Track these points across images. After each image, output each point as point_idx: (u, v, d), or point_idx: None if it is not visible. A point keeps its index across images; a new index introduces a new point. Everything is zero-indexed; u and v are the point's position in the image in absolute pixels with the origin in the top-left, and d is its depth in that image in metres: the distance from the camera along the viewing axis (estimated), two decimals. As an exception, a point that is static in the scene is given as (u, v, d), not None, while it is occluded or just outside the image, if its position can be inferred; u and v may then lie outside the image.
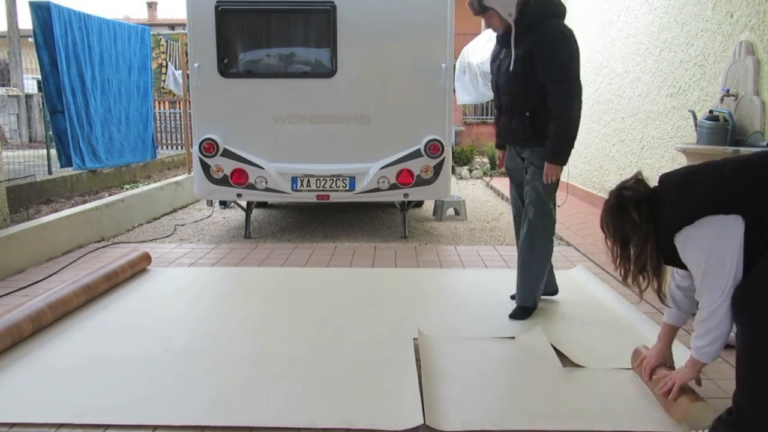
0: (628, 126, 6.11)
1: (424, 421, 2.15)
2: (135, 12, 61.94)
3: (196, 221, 6.41)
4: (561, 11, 3.12)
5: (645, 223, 2.08)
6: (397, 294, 3.74)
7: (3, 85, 14.62)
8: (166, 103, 13.75)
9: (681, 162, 4.67)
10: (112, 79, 6.84)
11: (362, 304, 3.52)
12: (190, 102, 5.58)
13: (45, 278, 4.07)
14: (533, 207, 3.18)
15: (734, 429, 1.88)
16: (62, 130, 6.09)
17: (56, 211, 5.80)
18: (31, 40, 6.42)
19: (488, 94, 12.02)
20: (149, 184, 7.60)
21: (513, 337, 3.01)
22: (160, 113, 12.98)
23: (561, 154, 3.06)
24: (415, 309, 3.44)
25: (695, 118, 4.22)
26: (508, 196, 7.93)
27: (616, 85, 6.45)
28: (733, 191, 1.92)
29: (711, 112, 4.12)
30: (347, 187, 5.20)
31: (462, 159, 11.76)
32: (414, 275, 4.18)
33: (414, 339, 2.95)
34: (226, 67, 5.08)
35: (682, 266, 2.05)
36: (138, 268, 4.12)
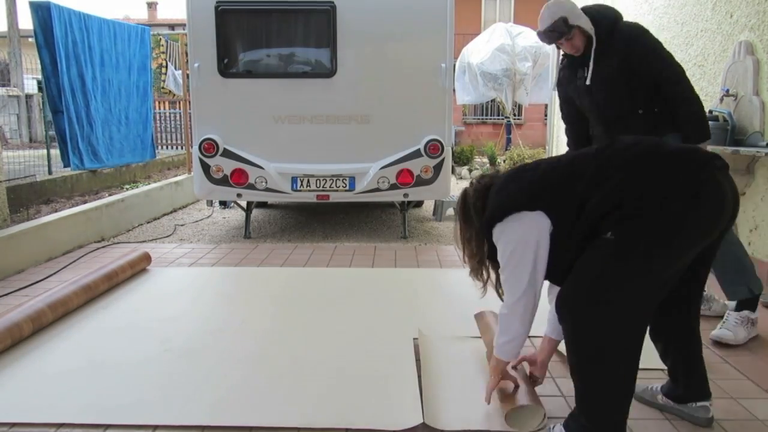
0: (628, 126, 6.10)
1: (424, 420, 2.16)
2: (135, 12, 61.99)
3: (196, 221, 6.42)
4: (616, 16, 3.00)
5: (477, 219, 2.07)
6: (397, 294, 3.74)
7: (3, 85, 14.62)
8: (166, 103, 13.75)
9: (681, 162, 4.67)
10: (113, 79, 6.85)
11: (362, 304, 3.52)
12: (190, 102, 5.58)
13: (45, 278, 4.07)
14: None
15: (580, 416, 1.93)
16: (63, 130, 6.10)
17: (56, 211, 5.80)
18: (31, 40, 6.43)
19: (488, 94, 12.05)
20: (149, 184, 7.60)
21: (513, 337, 3.01)
22: (159, 113, 12.98)
23: (706, 127, 2.89)
24: (415, 309, 3.44)
25: (695, 118, 4.21)
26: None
27: (615, 85, 6.45)
28: (540, 188, 1.92)
29: (711, 112, 4.13)
30: (347, 187, 5.20)
31: (462, 159, 11.77)
32: (414, 275, 4.18)
33: (414, 339, 2.95)
34: (226, 67, 5.08)
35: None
36: (138, 268, 4.12)
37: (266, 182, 5.16)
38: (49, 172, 7.61)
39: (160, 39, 12.78)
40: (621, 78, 2.88)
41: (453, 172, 10.68)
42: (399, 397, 2.34)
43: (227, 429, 2.16)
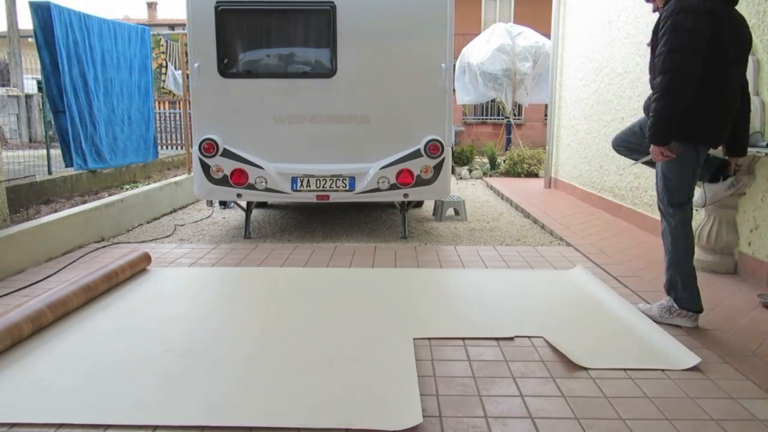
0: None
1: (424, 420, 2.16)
2: (135, 12, 62.00)
3: (196, 221, 6.42)
4: None
5: None
6: (397, 294, 3.74)
7: (3, 86, 14.63)
8: (166, 103, 13.76)
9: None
10: (114, 79, 6.85)
11: (362, 304, 3.53)
12: (190, 102, 5.58)
13: (45, 278, 4.07)
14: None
15: None
16: (65, 130, 6.10)
17: (56, 211, 5.80)
18: (30, 40, 6.43)
19: (488, 95, 12.06)
20: (149, 184, 7.60)
21: (512, 338, 3.01)
22: (159, 113, 12.99)
23: (658, 131, 2.95)
24: (415, 309, 3.44)
25: (695, 118, 4.21)
26: (508, 197, 7.95)
27: (616, 85, 6.45)
28: None
29: (711, 112, 4.12)
30: (347, 187, 5.20)
31: (462, 159, 11.77)
32: (414, 275, 4.18)
33: (414, 339, 2.95)
34: (226, 67, 5.08)
35: None
36: (138, 268, 4.12)
37: (266, 182, 5.16)
38: (49, 172, 7.62)
39: (160, 39, 12.80)
40: (653, 43, 2.98)
41: (453, 172, 10.68)
42: (399, 397, 2.35)
43: (227, 429, 2.16)
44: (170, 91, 12.64)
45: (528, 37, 11.80)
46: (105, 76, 6.64)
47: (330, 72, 5.09)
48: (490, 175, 10.85)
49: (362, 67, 5.09)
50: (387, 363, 2.68)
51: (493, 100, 13.18)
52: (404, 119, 5.17)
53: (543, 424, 2.19)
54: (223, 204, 7.15)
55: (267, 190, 5.19)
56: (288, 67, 5.22)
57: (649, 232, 5.41)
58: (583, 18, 7.63)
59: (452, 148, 7.02)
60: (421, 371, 2.62)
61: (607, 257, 4.62)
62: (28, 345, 2.87)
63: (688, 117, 2.94)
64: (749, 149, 3.74)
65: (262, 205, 7.20)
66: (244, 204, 5.67)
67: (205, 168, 5.16)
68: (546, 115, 11.11)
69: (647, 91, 5.59)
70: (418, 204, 7.10)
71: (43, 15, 5.81)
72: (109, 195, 7.03)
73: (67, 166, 6.38)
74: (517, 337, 3.03)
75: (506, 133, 14.05)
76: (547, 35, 9.90)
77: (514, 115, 14.89)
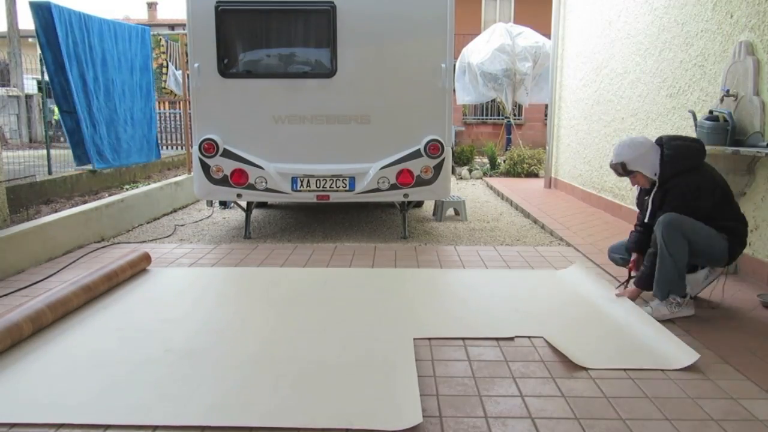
0: (628, 126, 6.11)
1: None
2: (135, 12, 62.03)
3: (196, 221, 6.42)
4: (695, 161, 3.32)
5: None
6: (397, 294, 3.74)
7: (3, 86, 14.63)
8: (166, 104, 13.76)
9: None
10: (116, 80, 6.85)
11: (362, 304, 3.52)
12: (190, 102, 5.58)
13: (45, 278, 4.07)
14: None
15: None
16: (71, 130, 6.10)
17: (56, 211, 5.81)
18: (31, 40, 6.45)
19: (488, 95, 12.06)
20: (149, 184, 7.60)
21: (512, 338, 3.01)
22: (160, 113, 12.98)
23: (640, 281, 3.37)
24: (415, 309, 3.44)
25: (695, 119, 4.22)
26: (508, 197, 7.95)
27: (616, 85, 6.46)
28: None
29: (711, 112, 4.13)
30: (347, 188, 5.20)
31: (462, 159, 11.77)
32: (414, 275, 4.18)
33: (414, 339, 2.95)
34: (226, 68, 5.08)
35: None
36: (138, 268, 4.12)
37: (266, 182, 5.16)
38: (49, 172, 7.62)
39: (160, 39, 12.81)
40: (659, 208, 3.35)
41: (453, 172, 10.68)
42: (399, 397, 2.34)
43: (227, 429, 2.16)
44: (171, 91, 12.65)
45: (528, 37, 11.80)
46: (106, 77, 6.64)
47: (330, 72, 5.09)
48: (490, 175, 10.84)
49: (362, 67, 5.09)
50: (387, 363, 2.68)
51: (493, 100, 13.19)
52: (404, 119, 5.17)
53: (543, 424, 2.19)
54: (223, 204, 7.15)
55: (267, 190, 5.19)
56: (288, 67, 5.22)
57: (649, 232, 5.41)
58: (583, 18, 7.63)
59: (452, 148, 7.02)
60: (421, 371, 2.62)
61: (606, 257, 4.61)
62: (28, 345, 2.87)
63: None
64: (749, 149, 3.76)
65: (262, 205, 7.20)
66: (244, 204, 5.67)
67: (205, 168, 5.16)
68: (546, 115, 11.11)
69: (647, 91, 5.63)
70: (418, 204, 7.10)
71: (44, 15, 5.81)
72: (109, 195, 7.03)
73: (78, 165, 6.39)
74: (517, 337, 3.03)
75: (506, 133, 14.05)
76: (547, 35, 9.90)
77: (514, 115, 14.89)
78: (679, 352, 2.76)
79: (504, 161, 11.10)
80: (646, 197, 3.46)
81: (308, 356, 2.76)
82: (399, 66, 5.10)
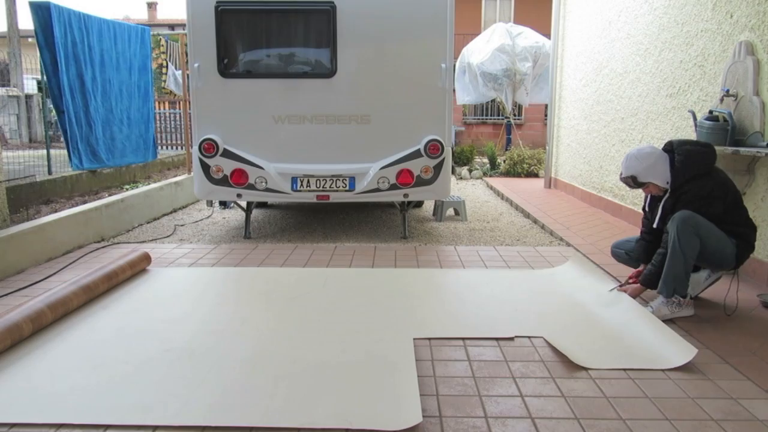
0: (628, 126, 6.12)
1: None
2: (135, 12, 62.04)
3: (196, 221, 6.42)
4: (706, 166, 3.31)
5: None
6: (397, 294, 3.74)
7: (3, 86, 14.63)
8: (166, 104, 13.76)
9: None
10: (113, 80, 6.85)
11: (362, 304, 3.52)
12: (190, 102, 5.58)
13: (45, 278, 4.07)
14: None
15: None
16: (65, 130, 6.11)
17: (56, 211, 5.80)
18: (30, 40, 6.44)
19: (488, 95, 12.06)
20: (149, 184, 7.60)
21: (512, 338, 3.01)
22: (160, 113, 12.99)
23: (646, 279, 3.36)
24: (415, 309, 3.44)
25: (695, 119, 4.23)
26: (508, 197, 7.95)
27: (616, 85, 6.46)
28: None
29: (711, 112, 4.13)
30: (347, 188, 5.20)
31: (462, 159, 11.77)
32: (414, 275, 4.18)
33: (414, 339, 2.95)
34: (226, 68, 5.08)
35: None
36: (138, 268, 4.12)
37: (266, 182, 5.16)
38: (49, 172, 7.62)
39: (160, 39, 12.81)
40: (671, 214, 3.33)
41: (453, 172, 10.69)
42: (399, 397, 2.34)
43: (227, 429, 2.16)
44: (170, 91, 12.66)
45: (528, 37, 11.80)
46: (103, 77, 6.64)
47: (330, 72, 5.09)
48: (490, 175, 10.84)
49: (362, 67, 5.09)
50: (387, 363, 2.68)
51: (493, 100, 13.18)
52: (404, 119, 5.17)
53: (543, 424, 2.19)
54: (223, 204, 7.15)
55: (267, 190, 5.19)
56: (288, 67, 5.22)
57: (649, 232, 5.41)
58: (583, 18, 7.63)
59: (452, 148, 7.02)
60: (421, 371, 2.62)
61: (607, 257, 4.61)
62: (28, 345, 2.87)
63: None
64: (749, 149, 3.76)
65: (262, 205, 7.20)
66: (244, 204, 5.67)
67: (205, 168, 5.16)
68: (546, 115, 11.12)
69: (647, 91, 5.63)
70: (418, 204, 7.10)
71: (43, 15, 5.81)
72: (109, 195, 7.03)
73: (74, 167, 6.40)
74: (517, 337, 3.03)
75: (506, 133, 14.05)
76: (547, 35, 9.90)
77: (514, 115, 14.89)
78: (677, 349, 2.76)
79: (504, 161, 11.10)
80: (658, 203, 3.44)
81: (308, 356, 2.76)
82: (399, 66, 5.10)
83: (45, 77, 6.08)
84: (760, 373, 2.62)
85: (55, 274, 4.20)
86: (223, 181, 5.17)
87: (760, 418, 2.25)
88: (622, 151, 6.26)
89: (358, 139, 5.19)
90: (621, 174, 3.43)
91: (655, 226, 3.44)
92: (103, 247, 5.04)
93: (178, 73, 12.20)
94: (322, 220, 6.43)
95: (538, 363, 2.73)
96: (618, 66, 6.38)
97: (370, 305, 3.51)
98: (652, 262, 3.33)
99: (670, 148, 3.37)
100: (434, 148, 5.13)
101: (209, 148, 5.10)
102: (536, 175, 10.35)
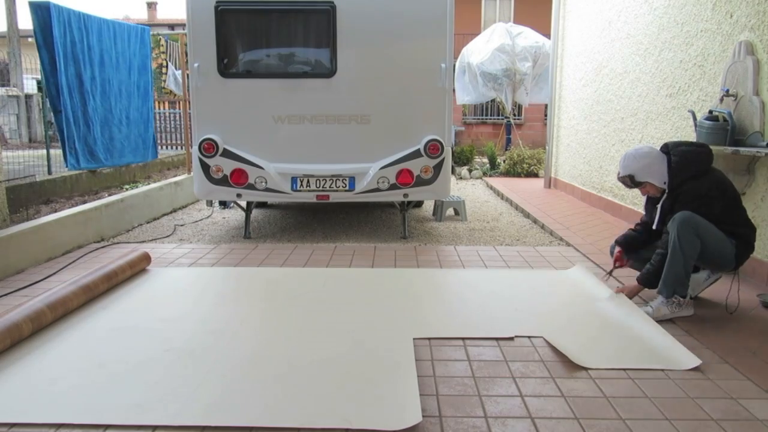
0: (628, 126, 6.12)
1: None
2: (135, 12, 62.03)
3: (196, 221, 6.42)
4: (703, 166, 3.32)
5: None
6: (397, 294, 3.74)
7: (3, 85, 14.63)
8: (166, 103, 13.76)
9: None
10: (112, 80, 6.84)
11: (362, 304, 3.52)
12: (190, 102, 5.58)
13: (45, 278, 4.07)
14: None
15: None
16: (61, 130, 6.10)
17: (56, 211, 5.80)
18: (30, 40, 6.43)
19: (488, 95, 12.06)
20: (149, 184, 7.60)
21: (512, 338, 3.01)
22: (159, 113, 12.98)
23: (646, 280, 3.35)
24: (415, 309, 3.44)
25: (695, 119, 4.23)
26: (508, 197, 7.95)
27: (616, 85, 6.46)
28: None
29: (710, 112, 4.13)
30: (347, 187, 5.20)
31: (462, 159, 11.77)
32: (414, 275, 4.18)
33: (414, 339, 2.95)
34: (226, 67, 5.08)
35: None
36: (138, 268, 4.12)
37: (266, 182, 5.16)
38: (49, 172, 7.62)
39: (160, 39, 12.81)
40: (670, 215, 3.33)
41: (453, 172, 10.69)
42: (399, 397, 2.34)
43: (227, 429, 2.16)
44: (170, 91, 12.65)
45: (528, 37, 11.80)
46: (102, 76, 6.63)
47: (330, 72, 5.09)
48: (490, 175, 10.84)
49: (362, 67, 5.09)
50: (387, 363, 2.68)
51: (493, 100, 13.18)
52: (404, 119, 5.18)
53: (543, 424, 2.19)
54: (223, 204, 7.15)
55: (267, 190, 5.18)
56: (288, 67, 5.22)
57: (649, 232, 5.41)
58: (583, 18, 7.63)
59: (452, 148, 7.02)
60: (421, 371, 2.62)
61: (607, 257, 4.61)
62: (28, 345, 2.87)
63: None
64: (749, 149, 3.76)
65: (262, 205, 7.20)
66: (243, 204, 5.67)
67: (205, 168, 5.16)
68: (546, 115, 11.11)
69: (647, 90, 5.63)
70: (418, 204, 7.10)
71: (42, 15, 5.80)
72: (109, 195, 7.02)
73: (66, 167, 6.39)
74: (517, 337, 3.03)
75: (506, 133, 14.06)
76: (547, 35, 9.90)
77: (514, 115, 14.89)
78: (680, 357, 2.75)
79: (504, 161, 11.10)
80: (657, 204, 3.44)
81: (308, 356, 2.76)
82: (399, 66, 5.10)
83: (43, 77, 6.07)
84: (760, 373, 2.62)
85: (55, 274, 4.20)
86: (223, 181, 5.17)
87: (760, 418, 2.25)
88: (621, 151, 6.26)
89: (358, 139, 5.19)
90: (618, 173, 3.43)
91: (654, 227, 3.44)
92: (102, 247, 5.04)
93: (178, 72, 12.20)
94: (322, 220, 6.43)
95: (538, 363, 2.73)
96: (618, 66, 6.38)
97: (369, 305, 3.51)
98: (651, 262, 3.33)
99: (666, 150, 3.38)
100: (434, 148, 5.13)
101: (209, 147, 5.10)
102: (536, 175, 10.35)
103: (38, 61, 5.98)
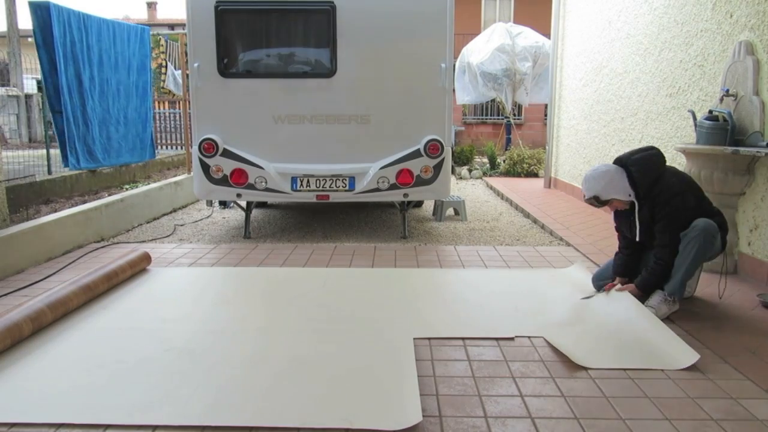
0: (628, 126, 6.12)
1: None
2: (135, 12, 62.01)
3: (196, 221, 6.42)
4: (661, 166, 3.40)
5: None
6: (397, 294, 3.74)
7: (3, 85, 14.63)
8: (166, 103, 13.75)
9: (681, 162, 4.68)
10: (111, 79, 6.84)
11: (362, 304, 3.52)
12: (189, 102, 5.58)
13: (45, 278, 4.07)
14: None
15: None
16: (60, 130, 6.10)
17: (56, 211, 5.80)
18: (30, 40, 6.43)
19: (487, 94, 12.06)
20: (149, 184, 7.60)
21: (512, 338, 3.01)
22: (159, 113, 12.98)
23: (646, 287, 3.37)
24: (415, 309, 3.44)
25: (695, 118, 4.22)
26: (508, 197, 7.95)
27: (616, 85, 6.46)
28: None
29: (710, 112, 4.13)
30: (347, 187, 5.20)
31: (462, 159, 11.77)
32: (414, 275, 4.18)
33: (414, 339, 2.95)
34: (226, 67, 5.08)
35: None
36: (138, 268, 4.12)
37: (266, 182, 5.16)
38: (49, 172, 7.61)
39: (160, 39, 12.80)
40: (651, 222, 3.37)
41: (453, 172, 10.69)
42: (399, 397, 2.34)
43: (227, 429, 2.16)
44: (170, 91, 12.64)
45: (528, 36, 11.80)
46: (101, 76, 6.63)
47: (330, 72, 5.09)
48: (490, 175, 10.84)
49: (362, 67, 5.09)
50: (387, 363, 2.68)
51: (493, 100, 13.18)
52: (404, 119, 5.17)
53: (543, 424, 2.19)
54: (223, 204, 7.15)
55: (267, 190, 5.18)
56: (288, 67, 5.22)
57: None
58: (583, 18, 7.63)
59: (452, 148, 7.02)
60: (421, 371, 2.62)
61: (607, 257, 4.61)
62: (28, 345, 2.87)
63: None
64: (749, 149, 3.76)
65: (262, 205, 7.20)
66: (243, 204, 5.67)
67: (205, 168, 5.16)
68: (546, 115, 11.11)
69: (647, 90, 5.63)
70: (418, 204, 7.10)
71: (42, 15, 5.81)
72: (109, 195, 7.02)
73: (65, 166, 6.39)
74: (517, 337, 3.03)
75: (506, 133, 14.05)
76: (547, 35, 9.90)
77: (514, 115, 14.89)
78: (680, 352, 2.76)
79: (504, 161, 11.10)
80: (631, 217, 3.45)
81: (308, 356, 2.76)
82: (399, 66, 5.10)
83: (43, 77, 6.07)
84: (760, 373, 2.62)
85: (55, 274, 4.20)
86: (223, 181, 5.17)
87: (760, 418, 2.25)
88: (622, 150, 6.24)
89: (358, 139, 5.19)
90: (584, 196, 3.45)
91: (638, 239, 3.45)
92: (103, 247, 5.04)
93: (178, 72, 12.20)
94: (322, 220, 6.43)
95: (538, 363, 2.73)
96: (618, 66, 6.38)
97: (369, 305, 3.51)
98: (650, 271, 3.35)
99: (622, 163, 3.43)
100: (434, 148, 5.13)
101: (209, 147, 5.10)
102: (536, 175, 10.35)
103: (38, 61, 5.98)
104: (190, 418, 2.21)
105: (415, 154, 5.16)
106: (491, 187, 9.28)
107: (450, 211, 6.60)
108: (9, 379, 2.52)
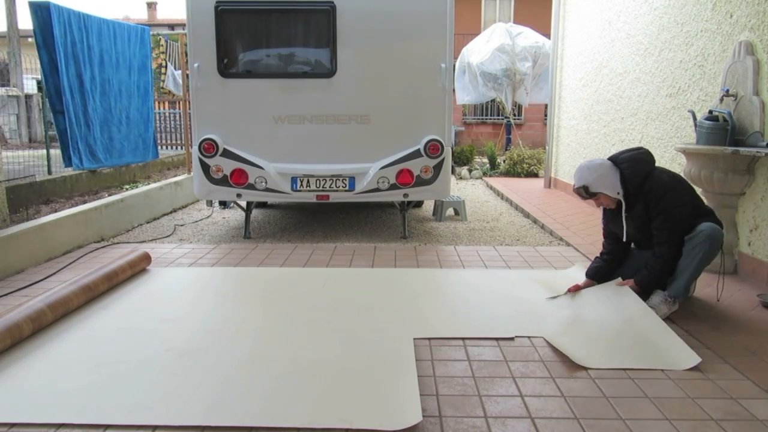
0: (628, 126, 6.12)
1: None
2: (135, 12, 62.00)
3: (196, 221, 6.42)
4: (651, 164, 3.43)
5: None
6: (397, 294, 3.74)
7: (3, 85, 14.62)
8: (166, 103, 13.75)
9: (681, 162, 4.68)
10: (112, 80, 6.84)
11: (362, 304, 3.52)
12: (189, 102, 5.58)
13: (45, 278, 4.07)
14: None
15: None
16: (62, 130, 6.10)
17: (56, 211, 5.80)
18: (30, 40, 6.43)
19: (487, 95, 12.06)
20: (149, 184, 7.60)
21: (512, 338, 3.01)
22: (159, 113, 12.98)
23: (646, 284, 3.37)
24: (415, 309, 3.44)
25: (695, 119, 4.22)
26: (508, 197, 7.95)
27: (616, 85, 6.46)
28: None
29: (710, 112, 4.13)
30: (347, 187, 5.20)
31: (462, 159, 11.77)
32: (414, 275, 4.18)
33: (414, 339, 2.95)
34: (226, 67, 5.08)
35: None
36: (138, 268, 4.12)
37: (266, 182, 5.16)
38: (49, 172, 7.61)
39: (160, 39, 12.80)
40: (647, 219, 3.37)
41: (453, 172, 10.68)
42: (399, 397, 2.34)
43: (227, 429, 2.16)
44: (170, 91, 12.64)
45: (528, 37, 11.80)
46: (102, 76, 6.63)
47: (330, 72, 5.09)
48: (490, 175, 10.84)
49: (362, 67, 5.09)
50: (387, 363, 2.68)
51: (493, 100, 13.19)
52: (404, 119, 5.17)
53: (543, 424, 2.19)
54: (223, 204, 7.15)
55: (267, 190, 5.18)
56: (288, 67, 5.22)
57: (648, 232, 5.41)
58: (583, 18, 7.63)
59: (452, 148, 7.02)
60: (421, 371, 2.62)
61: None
62: (28, 345, 2.87)
63: None
64: (749, 149, 3.76)
65: (262, 205, 7.20)
66: (243, 204, 5.67)
67: (205, 168, 5.16)
68: (546, 115, 11.11)
69: (647, 90, 5.63)
70: (418, 204, 7.10)
71: (42, 15, 5.81)
72: (109, 195, 7.02)
73: (66, 166, 6.39)
74: (517, 337, 3.03)
75: (506, 133, 14.06)
76: (547, 35, 9.90)
77: (514, 115, 14.89)
78: (681, 354, 2.75)
79: (504, 161, 11.10)
80: (619, 216, 3.45)
81: (308, 356, 2.76)
82: (399, 66, 5.10)
83: (43, 77, 6.07)
84: (760, 373, 2.62)
85: (55, 274, 4.20)
86: (223, 181, 5.17)
87: (760, 418, 2.25)
88: (621, 151, 6.26)
89: (358, 139, 5.19)
90: (573, 185, 3.47)
91: (624, 239, 3.48)
92: (103, 247, 5.04)
93: (178, 73, 12.20)
94: (322, 220, 6.43)
95: (538, 363, 2.73)
96: (618, 66, 6.38)
97: (369, 305, 3.51)
98: (650, 269, 3.35)
99: (615, 163, 3.44)
100: (434, 148, 5.13)
101: (209, 147, 5.10)
102: (536, 175, 10.35)
103: (38, 61, 5.98)
104: (190, 418, 2.21)
105: (415, 154, 5.16)
106: (491, 187, 9.28)
107: (450, 211, 6.60)
108: (9, 379, 2.52)
